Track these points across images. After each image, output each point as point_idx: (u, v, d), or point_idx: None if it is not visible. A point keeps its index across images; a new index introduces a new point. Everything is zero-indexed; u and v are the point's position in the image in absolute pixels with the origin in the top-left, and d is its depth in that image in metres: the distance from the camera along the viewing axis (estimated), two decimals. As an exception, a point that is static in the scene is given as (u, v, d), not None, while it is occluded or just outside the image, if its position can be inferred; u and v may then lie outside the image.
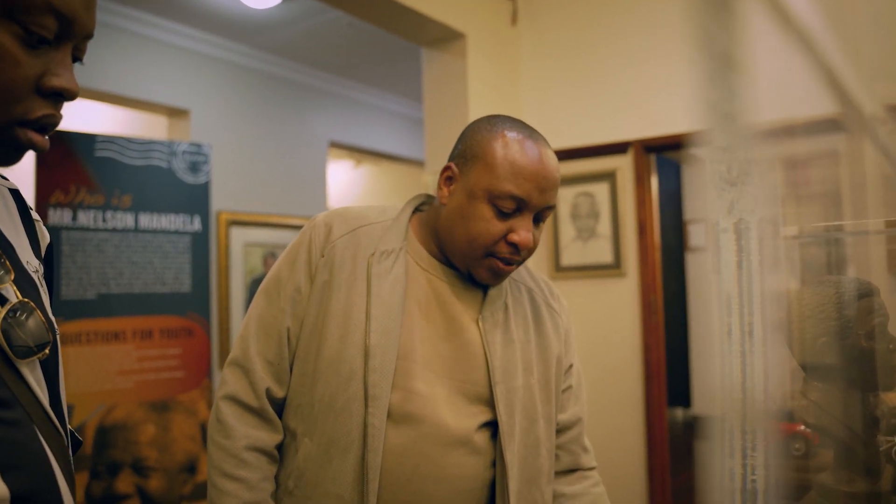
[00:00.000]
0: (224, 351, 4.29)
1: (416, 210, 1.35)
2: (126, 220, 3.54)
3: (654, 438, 3.09)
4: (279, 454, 1.24)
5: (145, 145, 3.63)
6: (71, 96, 0.76)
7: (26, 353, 0.75)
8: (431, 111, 3.22)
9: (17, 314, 0.75)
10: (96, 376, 3.34)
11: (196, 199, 3.77)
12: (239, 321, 4.41)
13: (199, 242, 3.77)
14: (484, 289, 1.28)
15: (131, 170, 3.57)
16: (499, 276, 1.23)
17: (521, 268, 1.37)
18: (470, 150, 1.24)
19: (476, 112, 3.09)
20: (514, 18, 3.38)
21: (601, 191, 3.20)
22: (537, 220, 1.22)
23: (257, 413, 1.22)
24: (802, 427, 1.25)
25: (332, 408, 1.17)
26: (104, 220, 3.47)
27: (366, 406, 1.14)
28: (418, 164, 6.25)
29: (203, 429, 3.62)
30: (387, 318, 1.19)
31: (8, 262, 0.78)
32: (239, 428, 1.20)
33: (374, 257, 1.23)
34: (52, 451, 0.76)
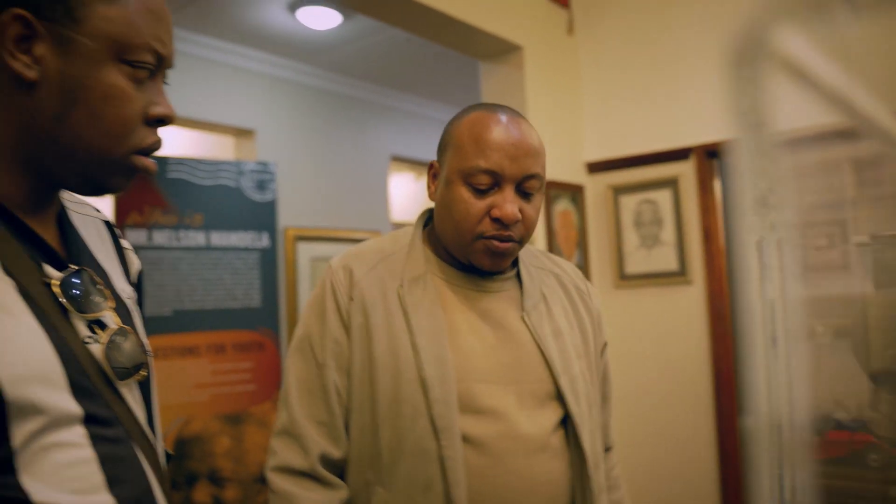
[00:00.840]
0: (294, 364, 4.38)
1: (426, 225, 1.33)
2: (198, 238, 3.67)
3: (726, 449, 3.03)
4: None
5: (214, 166, 3.75)
6: (171, 121, 0.85)
7: (125, 374, 0.81)
8: (490, 123, 3.24)
9: (117, 339, 0.81)
10: (173, 390, 3.46)
11: (263, 217, 3.88)
12: (307, 334, 4.49)
13: (268, 258, 3.87)
14: (518, 284, 1.28)
15: (202, 190, 3.70)
16: (497, 256, 1.20)
17: (541, 256, 1.38)
18: (443, 140, 1.28)
19: (534, 122, 3.09)
20: (570, 28, 3.39)
21: (664, 198, 3.17)
22: (524, 193, 1.19)
23: (314, 477, 1.17)
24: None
25: (402, 451, 1.13)
26: (177, 239, 3.60)
27: (437, 441, 1.10)
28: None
29: (275, 440, 3.70)
30: (435, 346, 1.15)
31: (107, 291, 0.84)
32: (300, 494, 1.16)
33: (404, 288, 1.20)
34: (149, 464, 0.81)
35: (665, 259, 3.17)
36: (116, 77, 0.78)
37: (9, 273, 0.73)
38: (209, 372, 3.60)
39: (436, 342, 1.16)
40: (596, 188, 3.36)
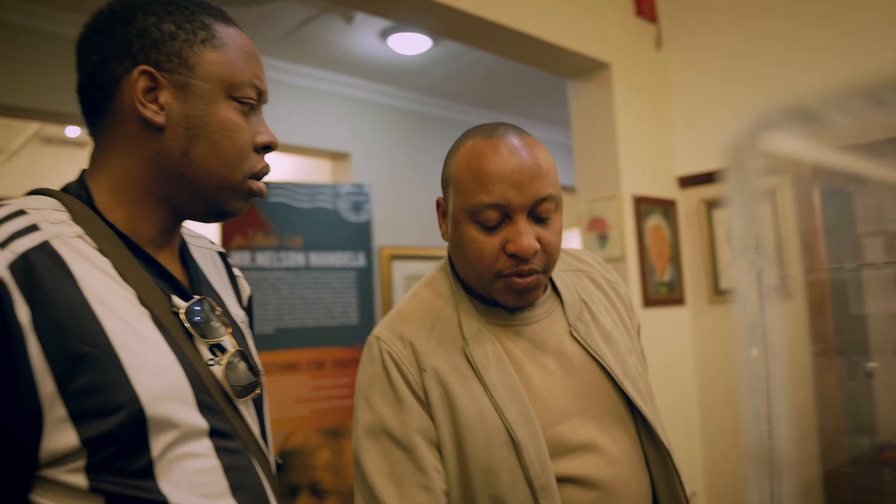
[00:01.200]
0: (390, 380, 4.48)
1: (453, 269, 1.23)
2: (298, 259, 3.83)
3: (832, 469, 2.92)
4: None
5: (312, 189, 3.91)
6: (275, 147, 0.96)
7: (242, 393, 0.91)
8: (580, 141, 3.26)
9: (234, 361, 0.91)
10: (276, 405, 3.62)
11: (360, 237, 4.01)
12: (403, 351, 4.59)
13: (364, 277, 4.00)
14: (558, 298, 1.22)
15: (301, 212, 3.86)
16: (522, 293, 1.10)
17: (565, 256, 1.31)
18: (443, 176, 1.20)
19: (624, 138, 3.10)
20: (658, 43, 3.37)
21: (760, 210, 3.10)
22: (539, 219, 1.09)
23: None
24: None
25: None
26: (278, 260, 3.77)
27: (537, 502, 1.03)
28: (570, 190, 6.27)
29: (373, 454, 3.80)
30: (516, 402, 1.08)
31: (225, 317, 0.95)
32: None
33: (469, 347, 1.11)
34: (264, 474, 0.91)
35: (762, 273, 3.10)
36: (229, 111, 0.90)
37: (144, 304, 0.84)
38: (309, 387, 3.74)
39: (515, 398, 1.08)
40: (688, 203, 3.32)
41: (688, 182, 3.31)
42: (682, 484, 1.14)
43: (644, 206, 3.12)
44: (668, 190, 3.30)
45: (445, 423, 1.08)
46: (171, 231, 0.94)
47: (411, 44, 3.93)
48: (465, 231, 1.11)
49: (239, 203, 0.94)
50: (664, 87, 3.39)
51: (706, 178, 3.25)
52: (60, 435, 0.74)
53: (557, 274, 1.25)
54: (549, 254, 1.10)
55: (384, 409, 1.09)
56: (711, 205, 3.23)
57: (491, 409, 1.07)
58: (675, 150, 3.38)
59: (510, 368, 1.10)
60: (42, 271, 0.76)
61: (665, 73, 3.41)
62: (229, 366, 0.90)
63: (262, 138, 0.94)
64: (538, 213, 1.08)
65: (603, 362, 1.15)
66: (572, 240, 8.57)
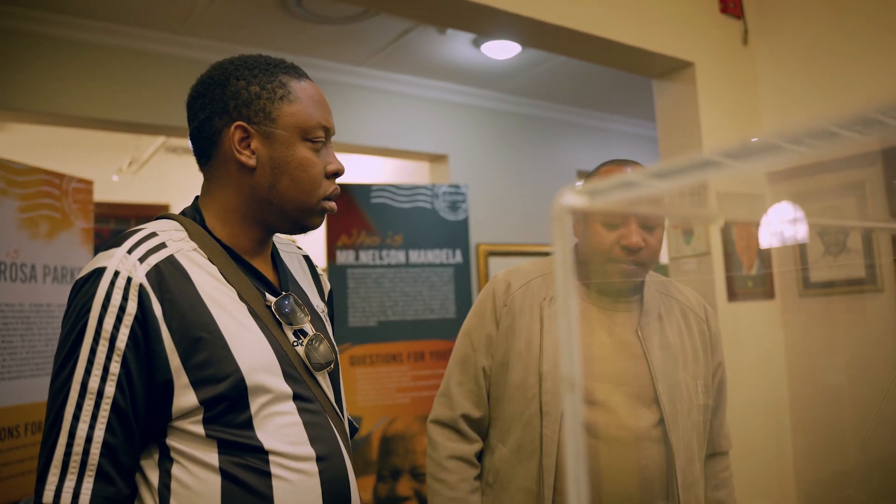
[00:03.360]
0: (487, 371, 4.66)
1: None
2: (398, 256, 4.06)
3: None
4: (481, 458, 1.55)
5: (411, 190, 4.14)
6: (342, 173, 1.20)
7: (319, 367, 1.17)
8: (665, 139, 3.34)
9: (314, 342, 1.17)
10: (379, 393, 3.87)
11: (457, 235, 4.20)
12: (499, 344, 4.76)
13: (461, 273, 4.18)
14: (642, 305, 1.53)
15: (401, 212, 4.09)
16: (628, 274, 1.48)
17: (670, 285, 1.65)
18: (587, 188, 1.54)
19: (709, 136, 3.16)
20: (745, 38, 3.40)
21: (849, 204, 3.10)
22: (647, 227, 1.46)
23: (455, 430, 1.55)
24: None
25: (519, 422, 1.47)
26: (381, 258, 4.02)
27: (541, 420, 1.42)
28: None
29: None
30: (556, 350, 1.44)
31: (307, 309, 1.21)
32: (441, 442, 1.55)
33: (546, 302, 1.52)
34: (337, 430, 1.16)
35: (852, 266, 3.10)
36: (304, 151, 1.14)
37: (243, 300, 1.11)
38: (410, 377, 3.97)
39: (557, 347, 1.43)
40: (776, 197, 3.34)
41: (775, 177, 3.33)
42: (677, 482, 1.40)
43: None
44: (755, 185, 3.33)
45: (504, 344, 1.51)
46: (263, 243, 1.20)
47: (502, 50, 4.09)
48: (592, 227, 1.48)
49: (316, 219, 1.19)
50: (752, 82, 3.41)
51: (794, 173, 3.26)
52: (185, 397, 1.01)
53: (651, 290, 1.57)
54: (651, 253, 1.47)
55: (473, 322, 1.58)
56: (800, 198, 3.24)
57: (537, 347, 1.47)
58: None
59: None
60: (169, 278, 1.03)
61: (752, 69, 3.43)
62: (310, 346, 1.16)
63: (331, 167, 1.18)
64: (646, 222, 1.46)
65: (649, 360, 1.46)
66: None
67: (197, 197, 1.21)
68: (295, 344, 1.14)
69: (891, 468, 2.99)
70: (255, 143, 1.13)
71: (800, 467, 3.23)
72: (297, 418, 1.09)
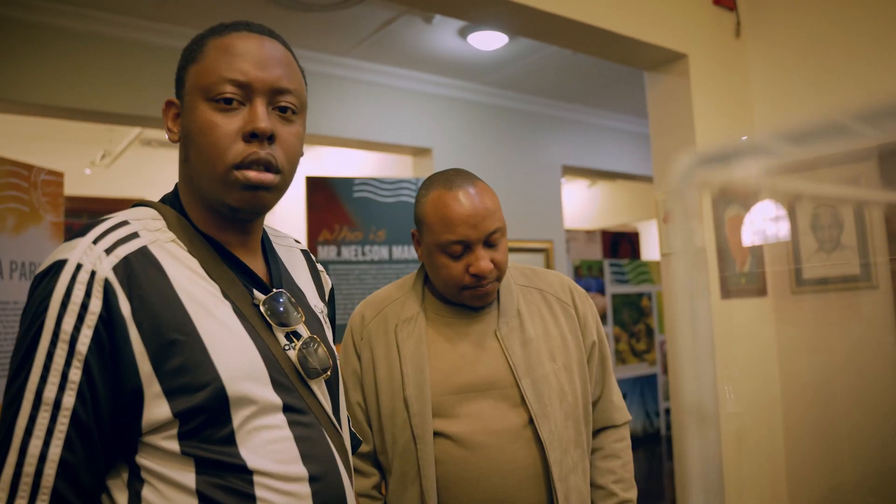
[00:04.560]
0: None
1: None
2: (381, 252, 3.96)
3: (921, 461, 2.85)
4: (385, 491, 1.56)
5: (395, 184, 4.04)
6: (261, 132, 0.96)
7: (314, 374, 1.03)
8: (657, 132, 3.27)
9: (309, 346, 1.04)
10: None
11: (440, 230, 4.10)
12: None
13: (445, 269, 4.09)
14: (497, 306, 1.53)
15: (384, 207, 4.00)
16: (482, 298, 1.48)
17: (530, 273, 1.64)
18: (416, 216, 1.52)
19: (702, 129, 3.09)
20: (737, 31, 3.34)
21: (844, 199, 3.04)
22: (491, 245, 1.45)
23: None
24: None
25: (396, 451, 1.48)
26: (363, 254, 3.92)
27: (415, 445, 1.43)
28: (648, 180, 6.22)
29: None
30: (416, 372, 1.46)
31: (301, 308, 1.07)
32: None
33: (398, 327, 1.52)
34: (334, 446, 1.03)
35: (846, 263, 3.05)
36: (205, 113, 0.97)
37: (227, 297, 0.97)
38: (394, 376, 3.87)
39: (417, 369, 1.46)
40: (770, 193, 3.28)
41: (769, 171, 3.27)
42: (552, 473, 1.42)
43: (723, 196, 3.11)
44: (748, 179, 3.26)
45: (368, 376, 1.53)
46: (242, 232, 1.05)
47: (489, 40, 4.00)
48: (437, 259, 1.46)
49: (237, 194, 0.97)
50: (744, 75, 3.36)
51: (788, 168, 3.20)
52: (157, 408, 0.88)
53: (509, 286, 1.57)
54: (500, 268, 1.47)
55: (341, 360, 1.55)
56: (794, 194, 3.18)
57: (398, 373, 1.47)
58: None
59: (423, 348, 1.48)
60: (140, 271, 0.91)
61: (744, 62, 3.37)
62: (305, 350, 1.03)
63: (247, 127, 0.96)
64: (490, 242, 1.45)
65: (510, 360, 1.47)
66: (650, 230, 8.46)
67: (177, 184, 1.08)
68: (286, 348, 1.01)
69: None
70: (180, 117, 1.02)
71: (791, 464, 3.19)
72: (286, 433, 0.95)
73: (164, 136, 5.89)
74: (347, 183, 3.94)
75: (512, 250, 4.84)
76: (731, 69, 3.30)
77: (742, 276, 3.16)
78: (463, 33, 3.93)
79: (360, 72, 4.38)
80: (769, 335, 3.23)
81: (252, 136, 0.96)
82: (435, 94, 4.76)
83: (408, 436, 1.45)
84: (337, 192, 3.89)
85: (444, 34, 3.96)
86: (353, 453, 1.13)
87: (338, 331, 1.33)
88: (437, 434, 1.44)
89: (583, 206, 8.60)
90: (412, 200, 4.04)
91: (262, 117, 0.97)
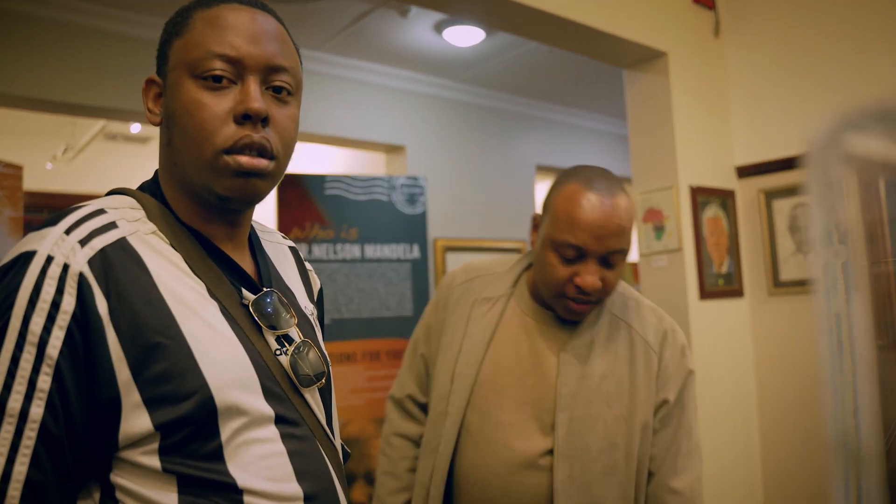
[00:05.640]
0: (444, 371, 4.51)
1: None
2: (353, 251, 3.88)
3: (897, 463, 2.84)
4: None
5: (368, 181, 3.96)
6: (255, 113, 0.86)
7: (308, 382, 0.94)
8: (636, 131, 3.23)
9: (301, 351, 0.94)
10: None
11: (414, 229, 4.04)
12: (457, 342, 4.63)
13: (419, 269, 4.03)
14: (576, 326, 1.42)
15: (356, 205, 3.91)
16: (575, 314, 1.37)
17: (633, 305, 1.47)
18: (545, 202, 1.41)
19: (682, 128, 3.06)
20: (716, 30, 3.31)
21: (822, 200, 3.02)
22: (607, 263, 1.33)
23: (404, 409, 1.60)
24: None
25: (431, 417, 1.48)
26: (335, 252, 3.83)
27: (444, 420, 1.41)
28: (626, 181, 6.20)
29: (428, 444, 3.85)
30: (471, 354, 1.42)
31: (293, 310, 0.97)
32: (391, 418, 1.61)
33: (476, 303, 1.48)
34: (329, 461, 0.93)
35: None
36: (191, 91, 0.87)
37: (213, 296, 0.88)
38: (365, 378, 3.80)
39: (474, 351, 1.42)
40: (747, 193, 3.26)
41: (746, 172, 3.25)
42: None
43: (701, 196, 3.08)
44: (726, 180, 3.24)
45: (437, 337, 1.53)
46: (229, 225, 0.96)
47: (465, 36, 3.93)
48: (547, 254, 1.35)
49: (228, 181, 0.88)
50: (722, 75, 3.33)
51: (766, 168, 3.18)
52: (136, 419, 0.78)
53: (601, 311, 1.44)
54: (607, 290, 1.35)
55: (425, 312, 1.62)
56: (771, 195, 3.16)
57: (458, 345, 1.45)
58: (733, 139, 3.32)
59: (488, 334, 1.44)
60: (118, 266, 0.81)
61: (723, 61, 3.35)
62: (298, 355, 0.93)
63: (238, 108, 0.87)
64: (608, 260, 1.32)
65: (558, 385, 1.36)
66: (627, 232, 8.46)
67: (157, 170, 0.98)
68: (278, 353, 0.92)
69: None
70: (163, 97, 0.92)
71: (767, 467, 3.17)
72: (279, 447, 0.86)
73: (130, 129, 5.79)
74: (319, 180, 3.85)
75: (485, 250, 4.81)
76: (710, 68, 3.27)
77: (720, 276, 3.13)
78: (438, 28, 3.86)
79: (333, 66, 4.28)
80: (746, 336, 3.21)
81: (245, 118, 0.86)
82: (409, 90, 4.68)
83: (442, 407, 1.43)
84: (308, 189, 3.80)
85: (419, 29, 3.89)
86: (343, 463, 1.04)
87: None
88: (463, 421, 1.41)
89: (555, 206, 8.58)
90: (385, 198, 3.97)
91: (256, 97, 0.87)
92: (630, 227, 1.32)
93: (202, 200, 0.91)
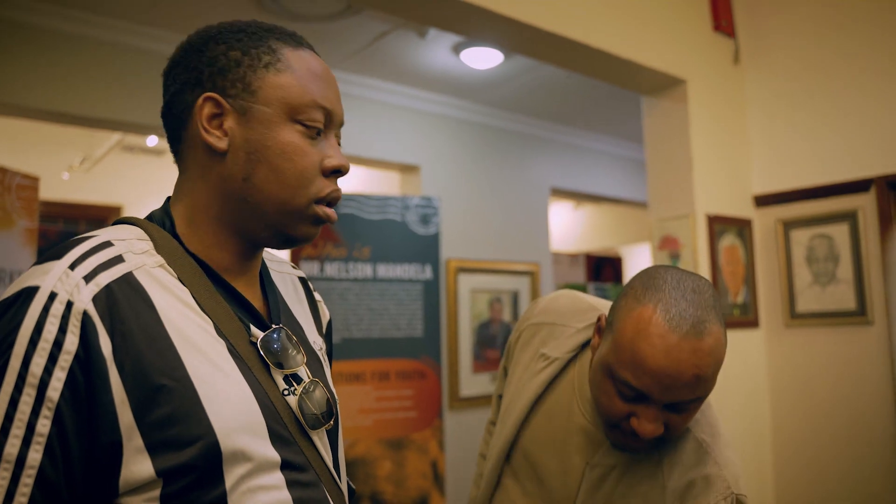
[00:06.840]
0: (454, 392, 4.48)
1: None
2: (365, 270, 3.86)
3: (914, 503, 2.78)
4: None
5: (381, 201, 3.95)
6: (345, 171, 0.93)
7: (316, 424, 0.91)
8: (654, 158, 3.21)
9: (309, 391, 0.92)
10: (340, 414, 3.64)
11: (427, 249, 4.02)
12: (467, 364, 4.60)
13: (431, 290, 4.00)
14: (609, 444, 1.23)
15: (369, 224, 3.90)
16: (625, 449, 1.16)
17: (692, 445, 1.19)
18: (613, 313, 1.14)
19: (700, 156, 3.04)
20: (736, 58, 3.29)
21: (840, 232, 2.99)
22: (675, 409, 1.08)
23: (489, 431, 1.62)
24: None
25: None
26: (347, 271, 3.81)
27: (500, 461, 1.39)
28: (640, 205, 6.17)
29: (434, 466, 3.81)
30: (516, 406, 1.35)
31: (301, 347, 0.95)
32: (483, 439, 1.64)
33: (539, 355, 1.36)
34: None
35: (842, 297, 2.99)
36: (291, 135, 0.88)
37: (221, 335, 0.85)
38: (373, 398, 3.77)
39: (519, 406, 1.34)
40: (764, 222, 3.23)
41: (764, 201, 3.23)
42: None
43: (718, 225, 3.05)
44: (744, 209, 3.22)
45: (509, 367, 1.48)
46: (246, 258, 0.95)
47: (483, 58, 3.93)
48: (602, 379, 1.13)
49: (306, 228, 0.91)
50: (741, 103, 3.31)
51: (784, 198, 3.15)
52: (137, 465, 0.75)
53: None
54: (670, 436, 1.13)
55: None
56: (789, 225, 3.13)
57: (514, 386, 1.39)
58: (751, 168, 3.29)
59: (531, 397, 1.33)
60: (123, 303, 0.78)
61: (742, 90, 3.33)
62: (305, 396, 0.90)
63: (330, 162, 0.91)
64: (676, 407, 1.08)
65: (577, 494, 1.24)
66: (643, 256, 8.41)
67: (169, 198, 0.95)
68: (286, 392, 0.89)
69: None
70: (228, 122, 0.88)
71: (781, 500, 3.11)
72: (285, 494, 0.83)
73: (146, 142, 5.81)
74: (333, 198, 3.83)
75: (497, 272, 4.79)
76: (729, 96, 3.26)
77: (735, 306, 3.09)
78: (456, 50, 3.86)
79: (350, 85, 4.29)
80: (761, 368, 3.16)
81: (334, 173, 0.92)
82: (425, 110, 4.68)
83: (487, 444, 1.53)
84: (322, 207, 3.78)
85: (437, 50, 3.89)
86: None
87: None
88: (503, 472, 1.41)
89: (566, 228, 8.56)
90: (399, 218, 3.95)
91: (341, 153, 0.94)
92: (714, 373, 1.04)
93: (249, 237, 0.91)
